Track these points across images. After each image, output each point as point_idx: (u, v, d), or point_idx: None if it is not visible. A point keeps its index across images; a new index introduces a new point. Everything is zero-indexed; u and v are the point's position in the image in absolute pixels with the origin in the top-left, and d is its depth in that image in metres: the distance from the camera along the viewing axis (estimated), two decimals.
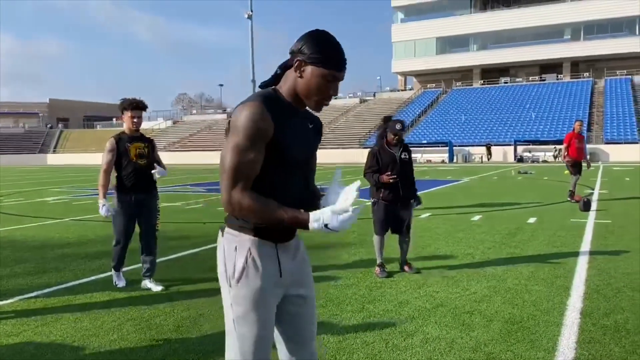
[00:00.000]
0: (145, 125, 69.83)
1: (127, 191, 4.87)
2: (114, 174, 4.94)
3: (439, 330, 3.73)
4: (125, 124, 4.91)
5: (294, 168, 1.85)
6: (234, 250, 1.85)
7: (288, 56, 1.86)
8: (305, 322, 1.98)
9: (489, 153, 41.31)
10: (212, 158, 53.05)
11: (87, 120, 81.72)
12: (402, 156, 5.35)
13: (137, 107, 4.86)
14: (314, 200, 1.95)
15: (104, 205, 4.86)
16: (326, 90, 1.81)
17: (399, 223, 5.42)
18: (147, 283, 5.00)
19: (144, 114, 4.98)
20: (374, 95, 66.31)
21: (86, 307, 4.44)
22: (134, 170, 4.86)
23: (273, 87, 1.88)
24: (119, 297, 4.73)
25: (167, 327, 3.92)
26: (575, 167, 11.81)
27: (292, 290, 1.95)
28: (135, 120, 4.87)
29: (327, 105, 1.88)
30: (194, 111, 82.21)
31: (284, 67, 1.87)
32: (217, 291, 4.75)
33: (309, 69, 1.78)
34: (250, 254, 1.83)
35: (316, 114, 1.99)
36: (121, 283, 5.05)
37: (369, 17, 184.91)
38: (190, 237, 7.87)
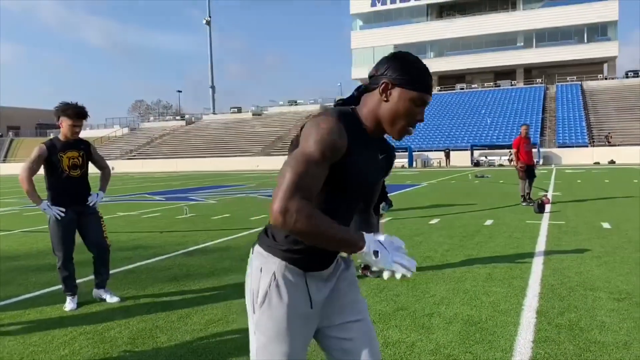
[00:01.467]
0: (101, 133, 68.27)
1: (61, 204, 4.49)
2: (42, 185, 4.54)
3: (400, 333, 3.73)
4: (62, 130, 4.50)
5: (353, 196, 1.73)
6: (259, 271, 1.72)
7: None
8: (362, 346, 1.79)
9: (448, 158, 42.12)
10: (171, 166, 52.20)
11: (40, 128, 79.23)
12: None
13: (79, 116, 4.45)
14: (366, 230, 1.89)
15: (48, 206, 4.43)
16: (414, 115, 1.67)
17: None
18: (102, 293, 4.81)
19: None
20: (335, 101, 66.66)
21: (36, 322, 4.25)
22: (67, 183, 4.51)
23: (352, 107, 1.73)
24: (72, 311, 4.55)
25: (122, 340, 3.79)
26: (527, 172, 12.10)
27: (336, 319, 1.81)
28: (76, 130, 4.51)
29: (410, 134, 1.74)
30: (152, 118, 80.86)
31: (362, 91, 1.73)
32: (173, 303, 4.66)
33: (396, 92, 1.64)
34: (275, 278, 1.69)
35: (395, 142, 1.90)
36: (70, 306, 4.57)
37: (328, 24, 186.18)
38: (147, 246, 7.68)
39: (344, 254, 1.81)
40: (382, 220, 5.74)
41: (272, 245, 1.72)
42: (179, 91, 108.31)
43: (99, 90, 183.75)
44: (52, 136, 4.81)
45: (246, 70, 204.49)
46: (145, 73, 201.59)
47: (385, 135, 1.81)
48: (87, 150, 4.71)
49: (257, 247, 1.77)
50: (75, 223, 4.62)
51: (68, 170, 4.53)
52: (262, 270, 1.71)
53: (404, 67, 1.65)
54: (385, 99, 1.66)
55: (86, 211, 4.67)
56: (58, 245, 4.55)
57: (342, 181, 1.65)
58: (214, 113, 72.86)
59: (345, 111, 1.68)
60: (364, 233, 1.56)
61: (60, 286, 4.73)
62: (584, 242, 7.08)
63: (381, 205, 5.50)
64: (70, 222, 4.56)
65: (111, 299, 4.76)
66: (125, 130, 70.13)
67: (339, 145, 1.57)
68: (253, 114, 67.33)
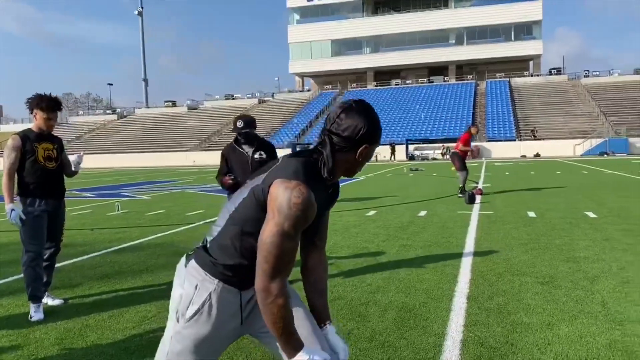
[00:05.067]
0: (24, 127, 64.54)
1: (34, 197, 4.23)
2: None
3: (336, 323, 3.76)
4: (35, 122, 4.30)
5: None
6: (194, 288, 1.75)
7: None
8: (304, 324, 1.86)
9: (393, 153, 42.53)
10: (102, 161, 50.29)
11: None
12: (256, 156, 4.77)
13: (53, 108, 4.26)
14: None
15: (12, 210, 4.13)
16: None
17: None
18: (43, 299, 4.48)
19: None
20: (273, 96, 66.42)
21: None
22: (42, 174, 4.27)
23: (315, 156, 1.75)
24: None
25: (49, 340, 3.62)
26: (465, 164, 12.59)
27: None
28: (51, 122, 4.31)
29: None
30: (81, 112, 77.56)
31: (333, 147, 1.73)
32: (104, 301, 4.50)
33: (366, 149, 1.75)
34: (210, 298, 1.74)
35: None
36: (37, 316, 4.10)
37: (265, 17, 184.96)
38: (76, 244, 7.36)
39: None
40: None
41: (211, 265, 1.76)
42: (110, 84, 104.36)
43: (20, 81, 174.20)
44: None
45: (181, 63, 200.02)
46: (72, 65, 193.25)
47: None
48: (60, 146, 4.51)
49: (194, 263, 1.79)
50: (47, 216, 4.32)
51: (43, 162, 4.29)
52: (198, 288, 1.75)
53: (374, 128, 1.74)
54: (360, 159, 1.76)
55: (57, 208, 4.42)
56: (31, 239, 4.20)
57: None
58: (147, 107, 70.75)
59: (310, 170, 1.70)
60: (305, 347, 1.68)
61: None
62: (511, 230, 7.41)
63: None
64: (43, 214, 4.28)
65: (53, 302, 4.48)
66: None
67: (311, 216, 1.64)
68: (188, 108, 65.93)
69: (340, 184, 1.97)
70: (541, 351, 3.16)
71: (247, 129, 4.66)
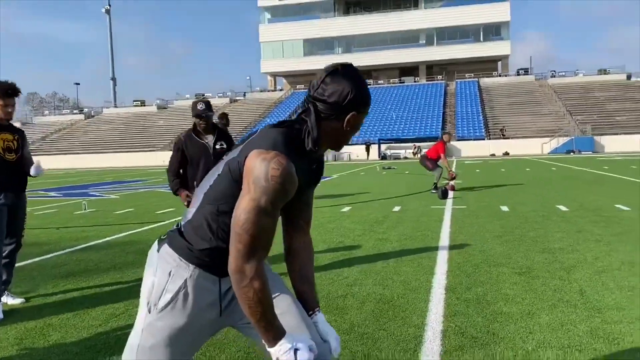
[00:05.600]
0: None
1: None
2: None
3: None
4: None
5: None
6: (167, 275, 1.58)
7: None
8: (292, 317, 1.68)
9: (368, 152, 42.66)
10: (69, 162, 49.14)
11: None
12: (218, 146, 4.42)
13: (9, 93, 4.00)
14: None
15: None
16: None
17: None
18: (4, 297, 4.23)
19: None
20: (245, 96, 65.88)
21: None
22: (1, 166, 4.03)
23: (298, 126, 1.58)
24: None
25: (8, 340, 3.40)
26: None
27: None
28: (9, 110, 4.05)
29: None
30: (47, 112, 75.65)
31: (318, 115, 1.57)
32: (69, 299, 4.28)
33: (354, 117, 1.58)
34: (185, 286, 1.57)
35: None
36: None
37: (237, 15, 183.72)
38: (40, 243, 7.07)
39: None
40: None
41: (186, 249, 1.59)
42: (77, 83, 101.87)
43: None
44: None
45: (150, 62, 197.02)
46: (37, 64, 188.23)
47: None
48: (22, 137, 4.24)
49: (167, 248, 1.62)
50: (6, 210, 4.06)
51: (2, 153, 4.04)
52: (172, 275, 1.58)
53: (361, 94, 1.58)
54: (348, 128, 1.60)
55: (17, 202, 4.17)
56: None
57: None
58: (115, 106, 69.40)
59: (291, 139, 1.55)
60: (287, 334, 1.51)
61: None
62: (485, 223, 7.41)
63: None
64: (2, 207, 4.02)
65: (14, 301, 4.24)
66: (17, 124, 64.93)
67: (292, 190, 1.49)
68: (158, 108, 64.89)
69: None
70: (523, 340, 3.09)
71: (209, 112, 4.39)
